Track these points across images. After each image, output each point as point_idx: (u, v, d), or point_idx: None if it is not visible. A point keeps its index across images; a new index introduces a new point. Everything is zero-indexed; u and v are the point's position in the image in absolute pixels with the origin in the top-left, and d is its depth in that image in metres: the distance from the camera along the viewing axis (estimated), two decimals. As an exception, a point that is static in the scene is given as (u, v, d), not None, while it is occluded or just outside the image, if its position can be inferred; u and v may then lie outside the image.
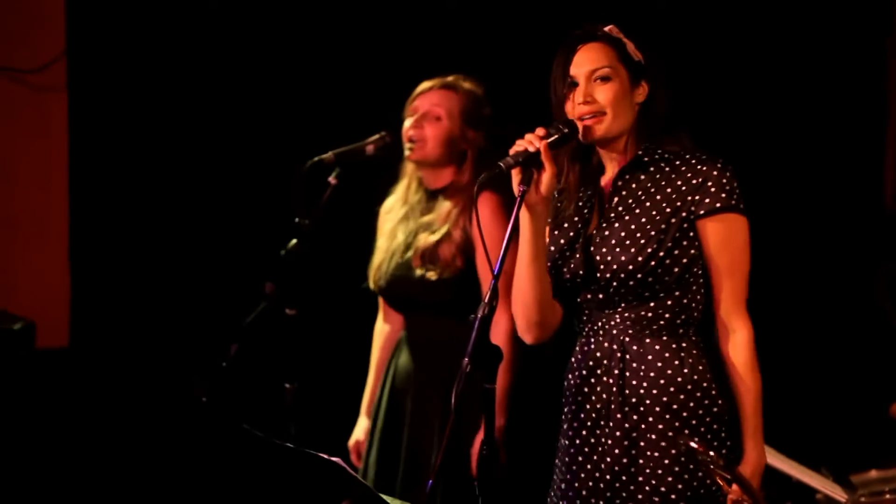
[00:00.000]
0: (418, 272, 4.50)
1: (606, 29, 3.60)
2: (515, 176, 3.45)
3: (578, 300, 3.62)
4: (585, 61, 3.56)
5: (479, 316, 3.27)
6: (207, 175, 6.01)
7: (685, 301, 3.54)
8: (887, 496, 5.41)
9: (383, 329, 4.80)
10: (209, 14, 5.97)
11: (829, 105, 6.32)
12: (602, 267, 3.55)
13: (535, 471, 4.17)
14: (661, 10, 5.76)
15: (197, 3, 5.97)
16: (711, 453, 3.32)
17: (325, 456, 3.43)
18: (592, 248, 3.57)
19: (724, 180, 3.52)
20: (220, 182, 6.00)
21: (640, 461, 3.51)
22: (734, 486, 3.35)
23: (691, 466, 3.49)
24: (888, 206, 6.37)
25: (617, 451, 3.53)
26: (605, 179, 3.65)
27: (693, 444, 3.40)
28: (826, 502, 5.41)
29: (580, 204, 3.66)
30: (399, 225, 4.61)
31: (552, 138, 3.47)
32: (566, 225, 3.65)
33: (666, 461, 3.50)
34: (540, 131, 3.47)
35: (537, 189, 3.45)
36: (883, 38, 6.34)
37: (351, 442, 4.73)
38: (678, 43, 5.95)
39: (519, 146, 3.45)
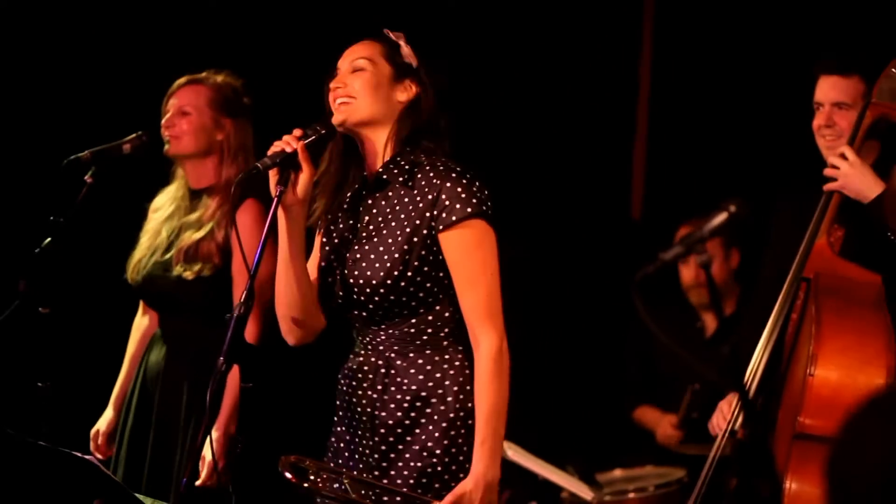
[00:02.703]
0: (176, 271, 4.50)
1: (387, 31, 3.66)
2: (273, 177, 3.47)
3: (348, 314, 3.65)
4: (349, 53, 3.63)
5: (234, 315, 3.30)
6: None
7: (447, 315, 3.56)
8: (631, 495, 5.59)
9: (141, 323, 4.78)
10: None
11: (581, 122, 6.51)
12: (356, 290, 3.57)
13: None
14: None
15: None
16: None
17: (78, 454, 3.41)
18: (347, 269, 3.59)
19: (459, 189, 3.50)
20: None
21: (405, 472, 3.52)
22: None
23: (446, 477, 3.51)
24: (635, 216, 6.59)
25: (384, 463, 3.54)
26: (364, 187, 3.66)
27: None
28: (571, 501, 5.56)
29: (346, 211, 3.68)
30: (164, 223, 4.61)
31: (309, 139, 3.50)
32: (334, 234, 3.67)
33: (429, 469, 3.52)
34: (297, 132, 3.51)
35: (294, 190, 3.48)
36: (634, 60, 6.55)
37: (92, 431, 4.70)
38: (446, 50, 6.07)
39: (276, 147, 3.49)
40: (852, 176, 4.13)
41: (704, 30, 6.32)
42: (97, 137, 4.43)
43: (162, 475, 4.45)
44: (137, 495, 3.53)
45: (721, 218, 2.67)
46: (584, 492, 5.47)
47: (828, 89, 4.30)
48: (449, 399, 3.53)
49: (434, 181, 3.53)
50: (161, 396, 4.54)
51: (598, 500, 5.50)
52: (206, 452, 4.26)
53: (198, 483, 4.23)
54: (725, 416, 4.30)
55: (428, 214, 3.52)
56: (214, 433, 4.35)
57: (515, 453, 5.14)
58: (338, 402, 3.69)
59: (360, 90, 3.58)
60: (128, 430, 4.59)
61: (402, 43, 3.65)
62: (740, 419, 4.18)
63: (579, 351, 6.45)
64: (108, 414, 4.72)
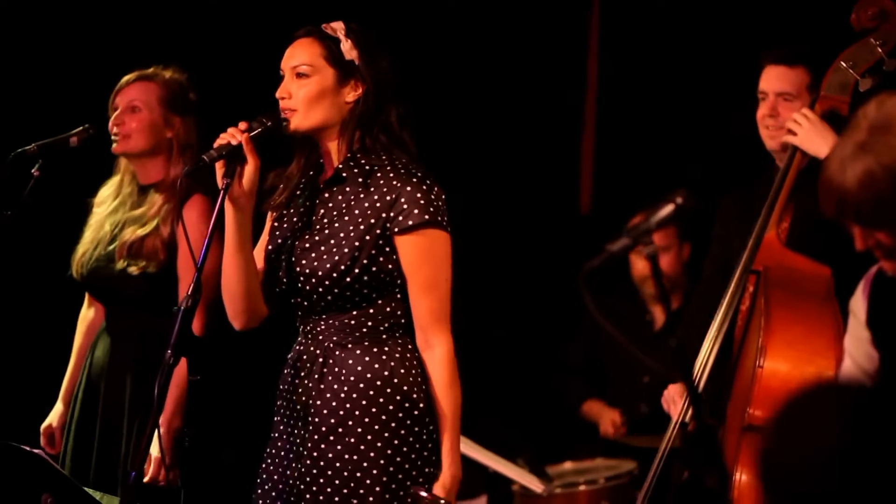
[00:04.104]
0: (120, 265, 4.47)
1: (325, 25, 3.63)
2: (219, 169, 3.48)
3: (291, 301, 3.65)
4: (290, 57, 3.61)
5: (181, 308, 3.30)
6: None
7: (388, 310, 3.58)
8: (581, 487, 5.60)
9: (87, 315, 4.76)
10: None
11: (529, 116, 6.51)
12: (302, 279, 3.58)
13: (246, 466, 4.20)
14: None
15: None
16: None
17: (27, 448, 3.39)
18: (295, 258, 3.61)
19: (419, 195, 3.52)
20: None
21: (338, 464, 3.52)
22: None
23: (391, 469, 3.51)
24: (583, 211, 6.60)
25: (315, 453, 3.55)
26: (321, 180, 3.67)
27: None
28: (522, 493, 5.57)
29: (300, 200, 3.69)
30: (108, 217, 4.58)
31: (254, 132, 3.51)
32: (285, 223, 3.68)
33: (364, 464, 3.52)
34: (242, 125, 3.51)
35: (240, 182, 3.49)
36: (582, 54, 6.56)
37: (43, 425, 4.68)
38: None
39: (222, 139, 3.49)
40: (811, 132, 4.16)
41: (652, 24, 6.34)
42: (43, 131, 4.40)
43: (108, 469, 4.43)
44: (85, 489, 3.52)
45: (668, 209, 2.68)
46: (535, 484, 5.48)
47: (773, 79, 4.34)
48: (388, 391, 3.54)
49: (393, 183, 3.54)
50: (106, 390, 4.51)
51: (548, 492, 5.51)
52: (153, 448, 4.24)
53: (146, 480, 4.20)
54: (675, 400, 4.31)
55: (384, 215, 3.53)
56: (161, 428, 4.33)
57: (466, 446, 5.12)
58: (278, 390, 3.69)
59: (304, 101, 3.57)
60: (74, 424, 4.57)
61: (341, 37, 3.61)
62: (690, 411, 4.19)
63: (529, 345, 6.46)
64: (58, 408, 4.70)
